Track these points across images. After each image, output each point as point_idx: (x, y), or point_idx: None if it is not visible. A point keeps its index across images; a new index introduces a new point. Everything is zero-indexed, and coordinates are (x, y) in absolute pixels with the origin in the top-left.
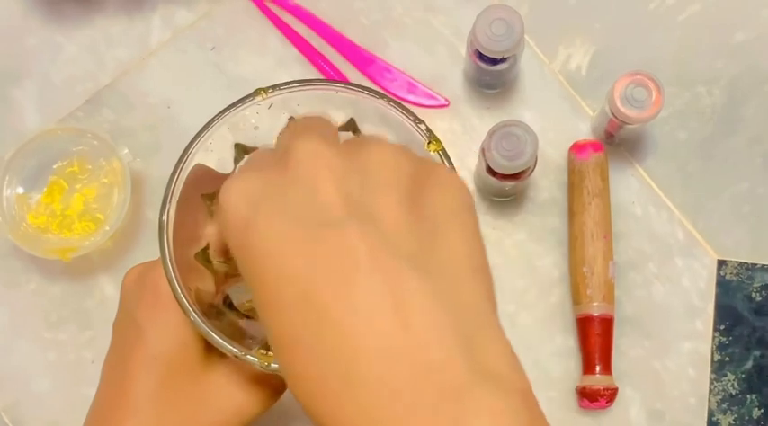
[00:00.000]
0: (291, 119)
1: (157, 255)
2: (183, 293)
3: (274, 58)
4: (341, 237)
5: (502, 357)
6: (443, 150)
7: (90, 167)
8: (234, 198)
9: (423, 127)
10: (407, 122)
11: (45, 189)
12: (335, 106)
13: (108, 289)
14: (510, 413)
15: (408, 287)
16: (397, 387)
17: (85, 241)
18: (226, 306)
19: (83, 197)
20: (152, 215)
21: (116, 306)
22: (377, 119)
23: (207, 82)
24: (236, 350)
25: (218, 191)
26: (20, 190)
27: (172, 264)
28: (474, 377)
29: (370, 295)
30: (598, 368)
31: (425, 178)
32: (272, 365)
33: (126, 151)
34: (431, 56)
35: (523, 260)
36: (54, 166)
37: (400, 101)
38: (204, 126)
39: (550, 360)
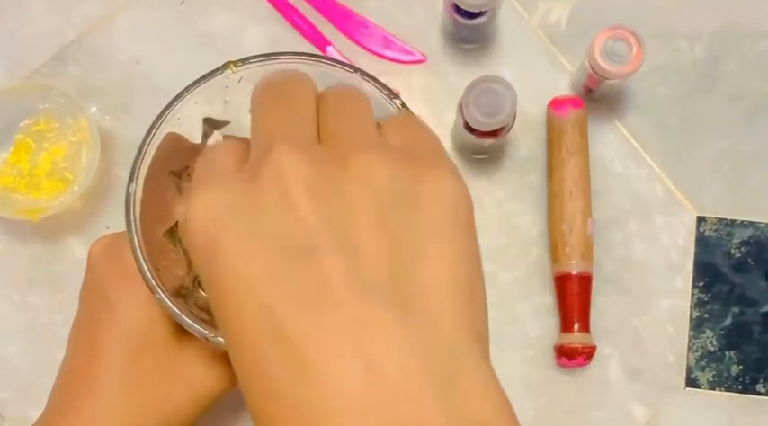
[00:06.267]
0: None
1: None
2: (150, 272)
3: (246, 14)
4: (314, 267)
5: (486, 400)
6: None
7: (57, 125)
8: (200, 216)
9: (398, 102)
10: (382, 97)
11: (12, 148)
12: None
13: (78, 251)
14: None
15: (375, 324)
16: None
17: (54, 201)
18: (196, 287)
19: (51, 156)
20: (123, 174)
21: None
22: None
23: (177, 38)
24: (206, 332)
25: (187, 168)
26: None
27: (139, 242)
28: None
29: (336, 334)
30: (576, 326)
31: (418, 189)
32: None
33: (94, 109)
34: (408, 10)
35: (502, 218)
36: (20, 124)
37: (378, 57)
38: (172, 100)
39: (529, 319)
